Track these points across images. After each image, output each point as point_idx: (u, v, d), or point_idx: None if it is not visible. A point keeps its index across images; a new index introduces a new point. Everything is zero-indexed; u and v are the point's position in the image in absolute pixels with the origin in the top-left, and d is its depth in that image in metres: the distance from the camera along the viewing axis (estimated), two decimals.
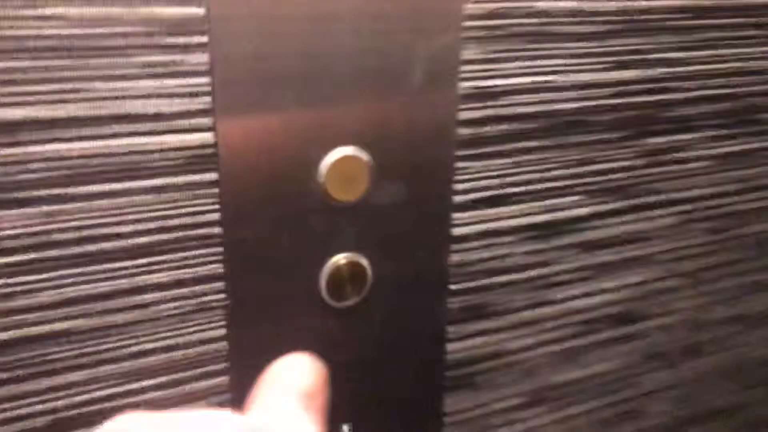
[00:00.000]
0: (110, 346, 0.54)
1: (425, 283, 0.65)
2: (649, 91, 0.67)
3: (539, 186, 0.66)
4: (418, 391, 0.68)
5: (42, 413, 0.53)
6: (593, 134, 0.66)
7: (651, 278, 0.75)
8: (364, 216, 0.60)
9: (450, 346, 0.68)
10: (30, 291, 0.51)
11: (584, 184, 0.68)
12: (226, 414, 0.28)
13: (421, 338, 0.66)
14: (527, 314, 0.70)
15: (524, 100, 0.62)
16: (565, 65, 0.63)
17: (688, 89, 0.69)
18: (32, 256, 0.50)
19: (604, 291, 0.73)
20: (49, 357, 0.52)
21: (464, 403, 0.70)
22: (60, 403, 0.54)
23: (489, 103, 0.61)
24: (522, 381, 0.72)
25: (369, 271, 0.61)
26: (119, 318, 0.54)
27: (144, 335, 0.55)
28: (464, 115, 0.61)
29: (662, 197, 0.72)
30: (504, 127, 0.63)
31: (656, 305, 0.77)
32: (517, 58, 0.61)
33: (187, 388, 0.58)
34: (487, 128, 0.62)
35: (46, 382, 0.53)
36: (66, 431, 0.54)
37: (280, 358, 0.39)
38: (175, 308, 0.56)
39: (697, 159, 0.72)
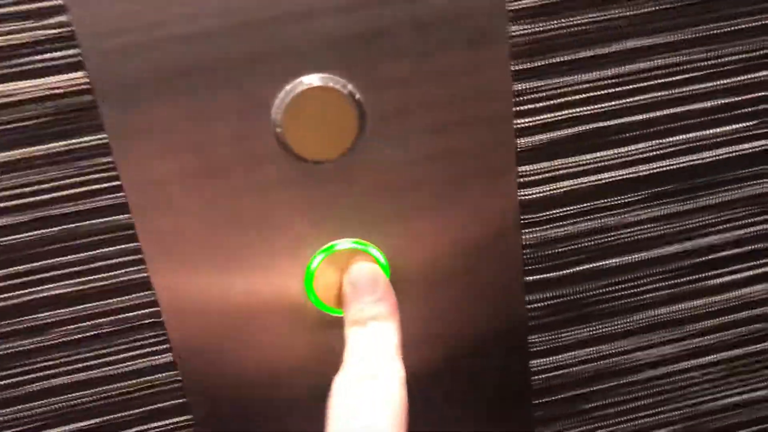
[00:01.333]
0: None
1: (481, 277, 0.42)
2: None
3: (662, 112, 0.39)
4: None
5: None
6: (763, 15, 0.38)
7: None
8: (357, 183, 0.38)
9: (535, 362, 0.45)
10: None
11: (751, 101, 0.40)
12: None
13: (489, 358, 0.44)
14: (653, 314, 0.45)
15: None
16: None
17: None
18: None
19: None
20: None
21: None
22: None
23: None
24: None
25: (383, 265, 0.39)
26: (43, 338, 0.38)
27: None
28: (517, 3, 0.36)
29: None
30: (590, 16, 0.37)
31: None
32: None
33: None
34: (561, 21, 0.37)
35: None
36: None
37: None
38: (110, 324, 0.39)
39: None
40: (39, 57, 0.33)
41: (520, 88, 0.38)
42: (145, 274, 0.38)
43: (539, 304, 0.44)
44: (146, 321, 0.40)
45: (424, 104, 0.37)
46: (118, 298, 0.39)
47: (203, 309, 0.39)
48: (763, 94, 0.40)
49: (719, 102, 0.40)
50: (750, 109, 0.41)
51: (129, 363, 0.40)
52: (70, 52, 0.33)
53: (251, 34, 0.34)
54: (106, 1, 0.32)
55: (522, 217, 0.41)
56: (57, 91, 0.34)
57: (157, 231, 0.37)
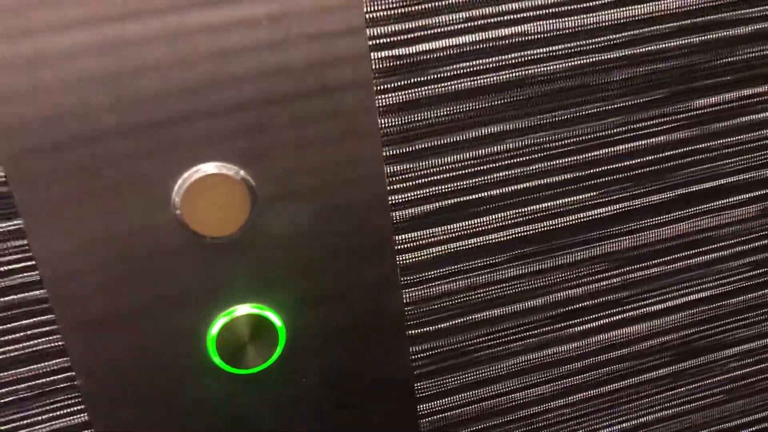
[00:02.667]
0: None
1: (369, 334, 0.47)
2: (683, 30, 0.45)
3: (519, 186, 0.46)
4: None
5: None
6: (597, 104, 0.45)
7: (721, 293, 0.53)
8: (254, 254, 0.43)
9: (423, 407, 0.50)
10: None
11: (596, 174, 0.47)
12: None
13: (380, 404, 0.49)
14: (525, 359, 0.51)
15: (474, 66, 0.42)
16: (536, 7, 0.42)
17: (755, 17, 0.46)
18: None
19: (648, 317, 0.52)
20: None
21: None
22: None
23: (420, 78, 0.42)
24: None
25: (279, 327, 0.44)
26: None
27: None
28: (387, 99, 0.42)
29: (728, 181, 0.50)
30: (449, 109, 0.43)
31: (733, 328, 0.54)
32: (452, 7, 0.41)
33: None
34: (424, 114, 0.43)
35: None
36: None
37: None
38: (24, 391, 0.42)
39: None
40: None
41: (391, 170, 0.44)
42: (60, 343, 0.42)
43: (423, 354, 0.49)
44: (61, 385, 0.43)
45: (307, 187, 0.42)
46: (35, 365, 0.42)
47: (114, 372, 0.43)
48: (602, 169, 0.47)
49: (566, 176, 0.47)
50: (593, 182, 0.47)
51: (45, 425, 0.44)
52: None
53: (151, 129, 0.39)
54: (15, 97, 0.37)
55: (402, 279, 0.47)
56: None
57: (69, 302, 0.41)
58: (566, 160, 0.46)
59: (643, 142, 0.47)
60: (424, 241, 0.46)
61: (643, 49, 0.45)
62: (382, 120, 0.42)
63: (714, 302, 0.54)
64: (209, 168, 0.40)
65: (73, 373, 0.43)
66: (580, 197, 0.48)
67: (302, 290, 0.45)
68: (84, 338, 0.42)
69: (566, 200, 0.47)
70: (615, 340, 0.53)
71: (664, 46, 0.45)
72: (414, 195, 0.45)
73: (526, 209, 0.47)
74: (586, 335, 0.52)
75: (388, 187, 0.44)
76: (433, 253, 0.46)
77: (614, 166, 0.47)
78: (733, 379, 0.57)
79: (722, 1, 0.45)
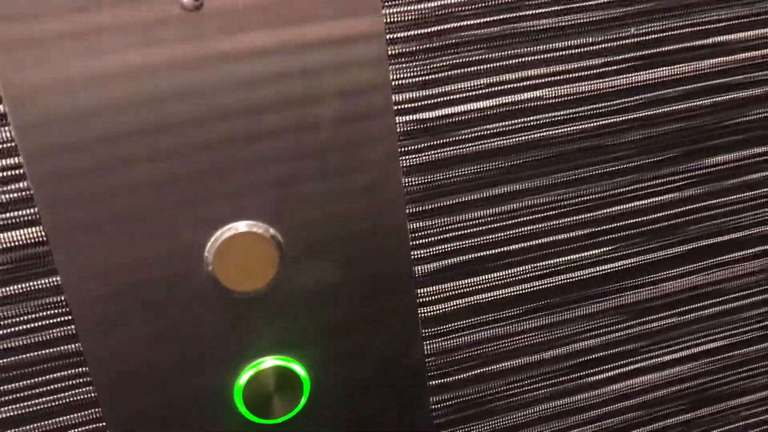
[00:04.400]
0: None
1: (392, 385, 0.48)
2: (690, 95, 0.47)
3: (536, 241, 0.47)
4: None
5: None
6: (611, 163, 0.47)
7: (733, 343, 0.54)
8: (280, 308, 0.44)
9: None
10: None
11: (610, 230, 0.49)
12: None
13: None
14: (542, 408, 0.52)
15: (493, 129, 0.44)
16: (554, 73, 0.44)
17: (759, 81, 0.48)
18: None
19: (662, 366, 0.53)
20: None
21: None
22: None
23: (442, 140, 0.44)
24: None
25: (303, 378, 0.45)
26: None
27: None
28: (410, 159, 0.44)
29: (737, 236, 0.51)
30: (469, 169, 0.45)
31: (744, 377, 0.55)
32: (472, 74, 0.43)
33: None
34: (446, 173, 0.45)
35: None
36: None
37: None
38: None
39: None
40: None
41: (414, 226, 0.45)
42: (93, 394, 0.44)
43: (443, 404, 0.50)
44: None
45: (332, 243, 0.44)
46: (70, 415, 0.44)
47: (143, 424, 0.44)
48: (615, 225, 0.49)
49: (581, 232, 0.48)
50: (607, 237, 0.49)
51: None
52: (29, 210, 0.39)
53: (184, 182, 0.41)
54: (55, 149, 0.39)
55: (423, 331, 0.48)
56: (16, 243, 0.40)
57: (102, 355, 0.43)
58: (581, 216, 0.48)
59: (655, 200, 0.49)
60: (444, 294, 0.47)
61: (655, 112, 0.47)
62: (406, 178, 0.44)
63: (726, 352, 0.55)
64: (241, 226, 0.42)
65: (104, 424, 0.44)
66: (595, 252, 0.49)
67: (326, 343, 0.46)
68: (115, 391, 0.43)
69: (581, 255, 0.49)
70: (630, 389, 0.54)
71: (674, 108, 0.47)
72: (435, 250, 0.46)
73: (542, 263, 0.48)
74: (602, 385, 0.53)
75: (411, 242, 0.46)
76: (453, 306, 0.48)
77: (627, 222, 0.49)
78: (746, 427, 0.58)
79: (732, 66, 0.47)
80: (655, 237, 0.50)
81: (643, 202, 0.49)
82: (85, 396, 0.44)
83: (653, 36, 0.45)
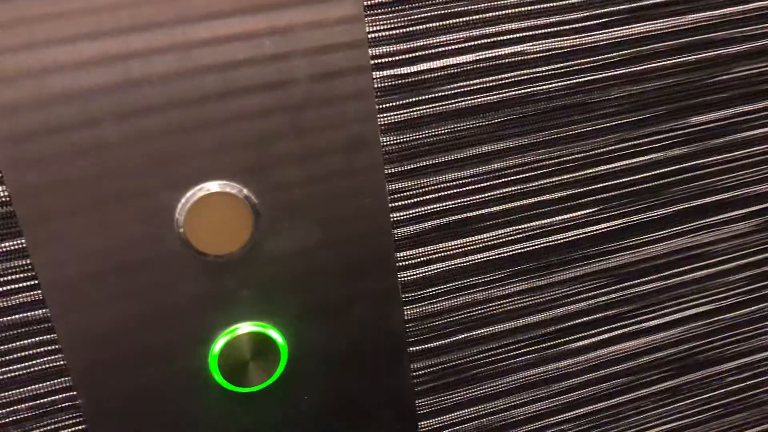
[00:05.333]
0: None
1: (371, 350, 0.47)
2: (675, 51, 0.45)
3: (518, 202, 0.46)
4: None
5: None
6: (595, 121, 0.46)
7: (722, 307, 0.53)
8: (256, 272, 0.43)
9: (424, 423, 0.50)
10: None
11: (594, 191, 0.47)
12: None
13: (382, 421, 0.49)
14: (525, 375, 0.51)
15: (474, 85, 0.43)
16: (535, 27, 0.43)
17: (750, 35, 0.46)
18: None
19: (647, 332, 0.52)
20: None
21: None
22: None
23: (422, 96, 0.42)
24: None
25: (281, 345, 0.44)
26: None
27: None
28: (388, 117, 0.42)
29: (725, 196, 0.50)
30: (449, 127, 0.44)
31: (733, 342, 0.55)
32: (452, 27, 0.41)
33: None
34: (425, 131, 0.43)
35: None
36: None
37: None
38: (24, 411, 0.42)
39: None
40: None
41: (393, 188, 0.44)
42: (62, 362, 0.42)
43: (424, 371, 0.49)
44: (62, 405, 0.43)
45: (310, 203, 0.42)
46: (39, 384, 0.42)
47: (115, 391, 0.43)
48: (600, 185, 0.48)
49: (564, 193, 0.47)
50: (592, 198, 0.48)
51: None
52: None
53: (153, 142, 0.39)
54: (16, 107, 0.37)
55: (403, 296, 0.47)
56: None
57: (70, 321, 0.41)
58: (565, 177, 0.47)
59: (640, 159, 0.48)
60: (425, 258, 0.46)
61: (640, 68, 0.45)
62: (384, 137, 0.43)
63: (712, 317, 0.54)
64: (213, 186, 0.41)
65: (74, 393, 0.43)
66: (579, 213, 0.48)
67: (304, 308, 0.45)
68: (86, 358, 0.42)
69: (565, 216, 0.48)
70: (614, 355, 0.53)
71: (660, 64, 0.46)
72: (415, 212, 0.45)
73: (525, 226, 0.47)
74: (586, 350, 0.52)
75: (390, 204, 0.44)
76: (434, 269, 0.47)
77: (612, 182, 0.48)
78: (732, 392, 0.58)
79: (717, 20, 0.45)
80: (640, 198, 0.49)
81: (628, 162, 0.48)
82: (55, 364, 0.42)
83: None
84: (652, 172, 0.49)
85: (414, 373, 0.49)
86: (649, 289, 0.52)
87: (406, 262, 0.46)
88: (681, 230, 0.51)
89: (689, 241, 0.51)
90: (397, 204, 0.44)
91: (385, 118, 0.42)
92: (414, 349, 0.48)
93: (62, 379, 0.43)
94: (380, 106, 0.42)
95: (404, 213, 0.45)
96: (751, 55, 0.47)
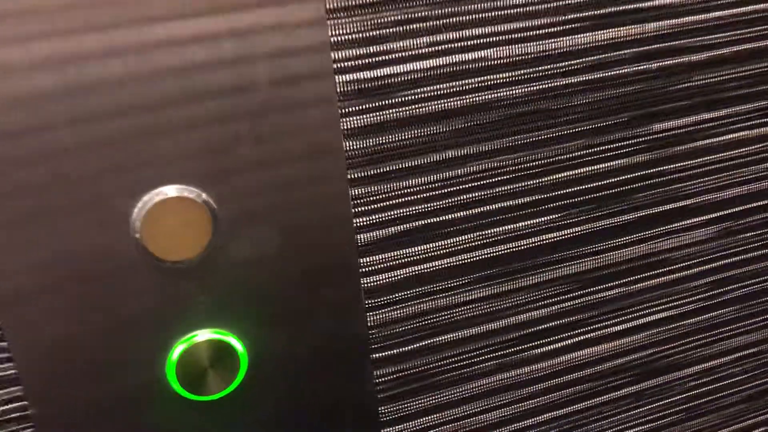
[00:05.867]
0: None
1: (333, 358, 0.46)
2: (637, 59, 0.46)
3: (482, 208, 0.46)
4: None
5: None
6: (559, 127, 0.46)
7: (683, 312, 0.54)
8: (215, 278, 0.42)
9: (387, 430, 0.50)
10: None
11: (558, 197, 0.47)
12: None
13: (345, 428, 0.48)
14: (488, 381, 0.51)
15: (437, 90, 0.42)
16: (499, 33, 0.42)
17: (711, 44, 0.47)
18: None
19: (609, 338, 0.53)
20: None
21: None
22: None
23: (385, 101, 0.42)
24: None
25: (240, 352, 0.43)
26: None
27: None
28: (351, 122, 0.42)
29: (687, 203, 0.50)
30: (413, 132, 0.43)
31: (694, 347, 0.55)
32: (415, 32, 0.41)
33: None
34: (389, 137, 0.43)
35: None
36: None
37: None
38: None
39: (740, 143, 0.50)
40: None
41: (356, 193, 0.43)
42: (14, 371, 0.41)
43: (387, 378, 0.49)
44: (14, 415, 0.42)
45: (270, 209, 0.42)
46: None
47: (69, 400, 0.42)
48: (564, 192, 0.48)
49: (528, 199, 0.47)
50: (556, 204, 0.48)
51: None
52: None
53: (110, 147, 0.38)
54: None
55: (366, 302, 0.46)
56: None
57: (22, 328, 0.40)
58: (528, 183, 0.47)
59: (603, 165, 0.48)
60: (388, 264, 0.46)
61: (603, 75, 0.45)
62: (347, 143, 0.42)
63: (673, 322, 0.55)
64: (170, 191, 0.40)
65: (26, 403, 0.42)
66: (542, 219, 0.48)
67: (265, 315, 0.44)
68: (38, 366, 0.41)
69: (528, 222, 0.48)
70: (577, 361, 0.53)
71: (623, 71, 0.46)
72: (378, 217, 0.44)
73: (488, 231, 0.47)
74: (549, 357, 0.52)
75: (353, 210, 0.44)
76: (397, 275, 0.46)
77: (575, 189, 0.48)
78: (693, 397, 0.58)
79: (679, 29, 0.46)
80: (604, 204, 0.49)
81: (592, 168, 0.48)
82: (6, 373, 0.41)
83: None
84: (616, 179, 0.49)
85: (377, 380, 0.48)
86: (612, 295, 0.52)
87: (370, 268, 0.45)
88: (643, 236, 0.51)
89: (651, 247, 0.52)
90: (360, 209, 0.44)
91: (348, 123, 0.42)
92: (377, 355, 0.48)
93: (13, 388, 0.41)
94: (343, 111, 0.41)
95: (367, 219, 0.44)
96: (711, 63, 0.47)
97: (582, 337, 0.53)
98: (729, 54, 0.47)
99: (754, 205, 0.53)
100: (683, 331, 0.55)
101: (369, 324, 0.47)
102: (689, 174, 0.50)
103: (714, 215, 0.52)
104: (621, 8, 0.44)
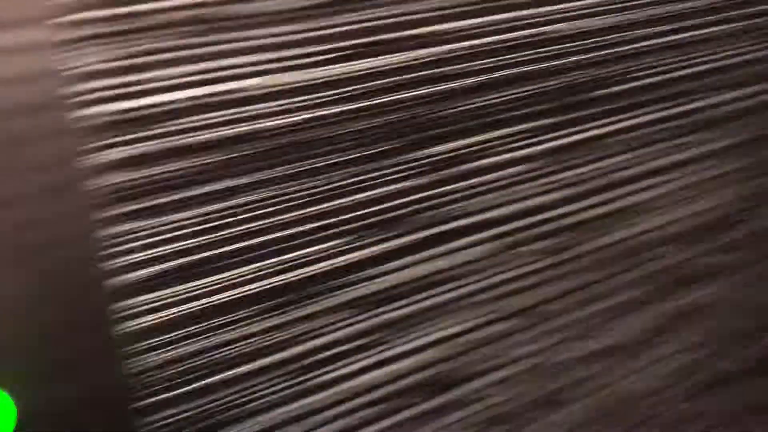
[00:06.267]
0: None
1: (96, 407, 0.43)
2: (415, 83, 0.46)
3: (256, 240, 0.44)
4: None
5: None
6: (333, 155, 0.45)
7: (470, 327, 0.55)
8: None
9: None
10: None
11: (337, 224, 0.47)
12: None
13: None
14: (284, 411, 0.49)
15: (197, 121, 0.40)
16: (264, 62, 0.41)
17: (475, 71, 0.48)
18: None
19: (399, 357, 0.53)
20: None
21: None
22: None
23: (141, 134, 0.39)
24: None
25: (8, 405, 0.39)
26: None
27: None
28: (105, 156, 0.38)
29: (466, 221, 0.51)
30: (177, 165, 0.41)
31: (482, 359, 0.57)
32: (175, 61, 0.39)
33: None
34: (149, 170, 0.40)
35: None
36: None
37: None
38: None
39: (509, 163, 0.51)
40: None
41: (114, 231, 0.40)
42: None
43: (157, 425, 0.46)
44: None
45: (13, 251, 0.38)
46: None
47: None
48: (343, 218, 0.47)
49: (309, 226, 0.46)
50: (336, 230, 0.47)
51: None
52: None
53: None
54: None
55: (133, 346, 0.43)
56: None
57: None
58: (303, 211, 0.45)
59: (382, 190, 0.48)
60: (149, 306, 0.43)
61: (372, 102, 0.45)
62: (96, 179, 0.39)
63: (460, 337, 0.56)
64: None
65: None
66: (325, 246, 0.47)
67: (26, 367, 0.40)
68: None
69: (310, 250, 0.47)
70: (368, 383, 0.53)
71: (392, 98, 0.46)
72: (139, 257, 0.41)
73: (264, 263, 0.45)
74: (342, 381, 0.51)
75: (106, 252, 0.40)
76: (169, 315, 0.43)
77: (356, 213, 0.47)
78: (491, 406, 0.60)
79: (446, 56, 0.46)
80: (385, 228, 0.49)
81: (370, 193, 0.47)
82: None
83: (368, 24, 0.43)
84: (395, 202, 0.48)
85: (145, 428, 0.45)
86: (398, 316, 0.52)
87: (127, 312, 0.42)
88: (427, 256, 0.51)
89: (434, 266, 0.52)
90: (118, 249, 0.41)
91: (98, 158, 0.39)
92: (142, 403, 0.45)
93: None
94: (93, 145, 0.38)
95: (125, 259, 0.41)
96: (478, 88, 0.48)
97: (372, 360, 0.52)
98: (491, 80, 0.49)
99: (529, 221, 0.55)
100: (470, 347, 0.56)
101: (140, 369, 0.44)
102: (464, 195, 0.51)
103: (491, 232, 0.53)
104: (393, 35, 0.44)
